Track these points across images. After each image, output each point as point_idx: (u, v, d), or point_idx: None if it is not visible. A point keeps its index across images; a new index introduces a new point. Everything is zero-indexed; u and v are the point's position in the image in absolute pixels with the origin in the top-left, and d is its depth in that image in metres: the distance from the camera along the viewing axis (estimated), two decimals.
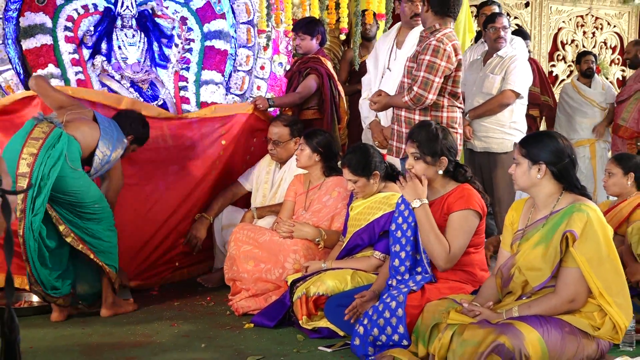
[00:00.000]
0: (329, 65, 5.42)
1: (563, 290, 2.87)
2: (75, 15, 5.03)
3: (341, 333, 3.55)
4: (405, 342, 3.16)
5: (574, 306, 2.87)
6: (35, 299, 4.29)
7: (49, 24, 4.97)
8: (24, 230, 3.84)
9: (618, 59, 9.03)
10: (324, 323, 3.63)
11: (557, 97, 7.78)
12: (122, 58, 5.04)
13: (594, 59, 7.21)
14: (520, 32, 6.85)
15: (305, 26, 5.42)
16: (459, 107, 4.41)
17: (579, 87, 7.09)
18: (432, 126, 3.55)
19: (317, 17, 5.43)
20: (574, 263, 2.85)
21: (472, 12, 7.12)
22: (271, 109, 5.33)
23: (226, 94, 5.42)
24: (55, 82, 4.56)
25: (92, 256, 4.07)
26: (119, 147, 4.27)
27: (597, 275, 2.82)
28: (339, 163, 4.40)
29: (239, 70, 5.60)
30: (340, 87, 5.47)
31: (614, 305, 2.83)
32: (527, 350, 2.70)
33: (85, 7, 4.99)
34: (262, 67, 5.74)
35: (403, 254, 3.52)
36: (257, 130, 5.22)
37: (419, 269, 3.49)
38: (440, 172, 3.49)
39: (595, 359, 2.86)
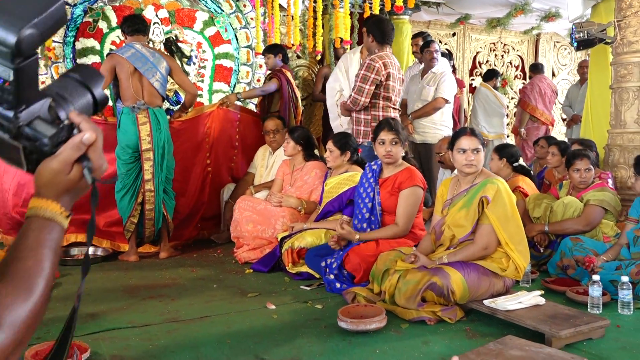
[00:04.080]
0: (289, 75, 5.36)
1: (479, 240, 2.90)
2: (118, 40, 4.94)
3: (317, 276, 3.55)
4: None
5: (487, 252, 2.89)
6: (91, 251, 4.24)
7: (98, 47, 4.91)
8: (155, 184, 4.12)
9: (519, 74, 9.08)
10: (305, 268, 3.63)
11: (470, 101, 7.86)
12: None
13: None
14: (446, 54, 6.88)
15: (267, 48, 5.41)
16: (393, 108, 4.42)
17: (497, 94, 7.12)
18: (397, 120, 3.63)
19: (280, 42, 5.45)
20: (488, 220, 2.87)
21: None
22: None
23: None
24: None
25: (164, 210, 4.23)
26: (151, 57, 4.17)
27: (504, 229, 2.85)
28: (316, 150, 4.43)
29: (241, 82, 5.56)
30: (297, 92, 5.43)
31: (516, 252, 2.86)
32: (453, 287, 2.72)
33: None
34: (258, 80, 5.69)
35: (361, 215, 3.55)
36: (235, 120, 5.12)
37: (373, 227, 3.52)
38: (403, 153, 3.54)
39: (502, 293, 2.89)
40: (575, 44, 4.92)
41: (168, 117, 4.50)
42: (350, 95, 4.28)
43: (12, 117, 0.86)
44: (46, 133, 0.88)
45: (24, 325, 0.80)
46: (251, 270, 3.84)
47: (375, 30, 4.32)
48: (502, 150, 4.32)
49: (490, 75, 7.32)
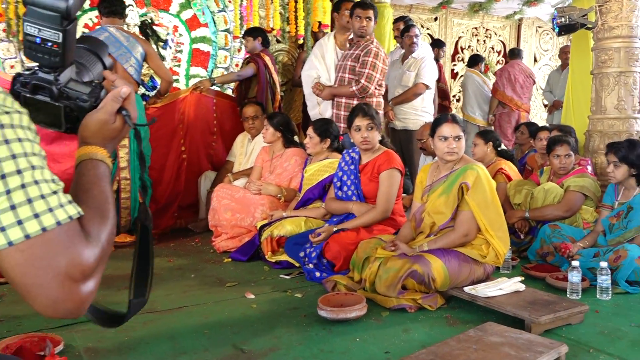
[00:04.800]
0: (268, 59, 5.25)
1: (459, 227, 2.90)
2: (91, 23, 4.84)
3: (297, 264, 3.53)
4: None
5: (467, 239, 2.90)
6: None
7: None
8: (130, 172, 4.05)
9: (501, 60, 9.10)
10: (284, 257, 3.61)
11: (454, 88, 7.84)
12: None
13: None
14: (437, 41, 6.89)
15: (247, 31, 5.32)
16: (382, 95, 4.50)
17: (485, 80, 7.12)
18: (373, 106, 3.61)
19: (278, 27, 5.35)
20: (468, 207, 2.87)
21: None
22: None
23: None
24: None
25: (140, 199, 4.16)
26: (125, 41, 4.05)
27: (484, 215, 2.86)
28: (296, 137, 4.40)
29: (218, 67, 5.49)
30: (275, 77, 5.32)
31: (496, 238, 2.87)
32: (433, 274, 2.72)
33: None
34: (236, 65, 5.62)
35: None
36: (211, 105, 5.02)
37: None
38: (379, 138, 3.53)
39: (483, 280, 2.91)
40: (557, 29, 4.94)
41: (144, 103, 4.42)
42: (360, 82, 4.28)
43: (53, 79, 1.00)
44: (84, 91, 1.03)
45: (106, 243, 0.93)
46: (230, 260, 3.81)
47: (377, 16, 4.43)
48: (487, 135, 4.32)
49: (476, 61, 7.30)
